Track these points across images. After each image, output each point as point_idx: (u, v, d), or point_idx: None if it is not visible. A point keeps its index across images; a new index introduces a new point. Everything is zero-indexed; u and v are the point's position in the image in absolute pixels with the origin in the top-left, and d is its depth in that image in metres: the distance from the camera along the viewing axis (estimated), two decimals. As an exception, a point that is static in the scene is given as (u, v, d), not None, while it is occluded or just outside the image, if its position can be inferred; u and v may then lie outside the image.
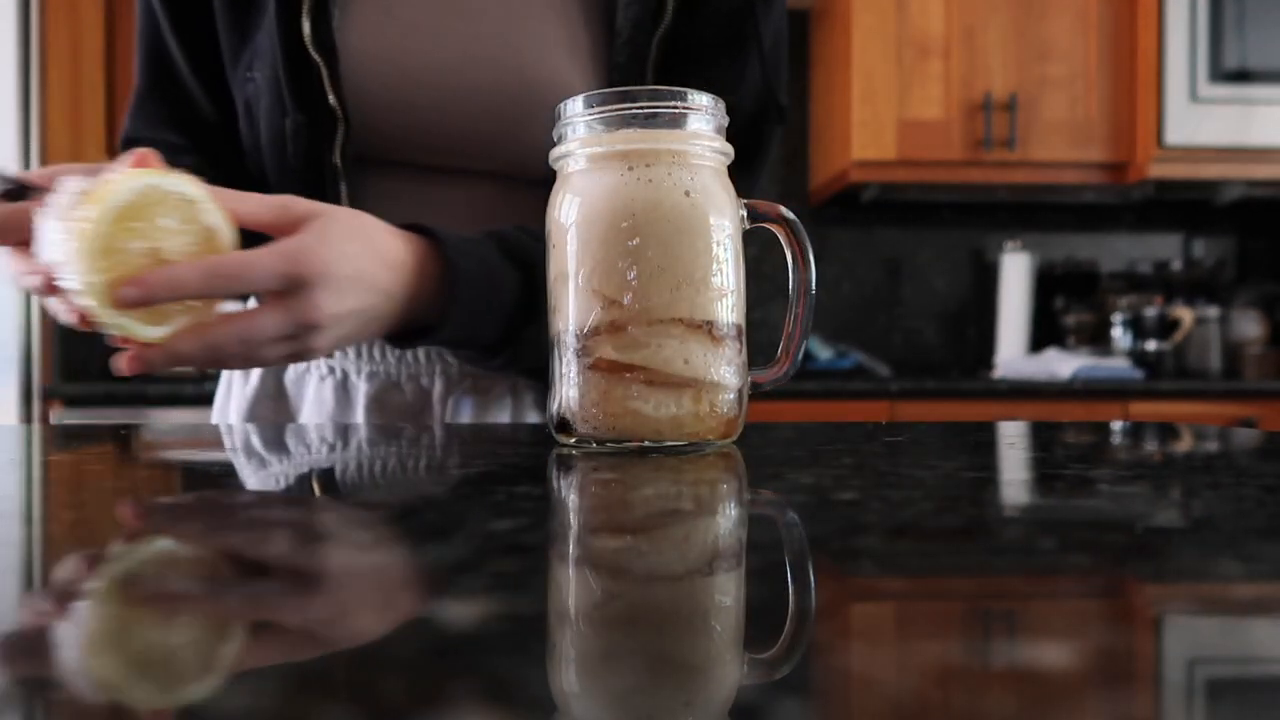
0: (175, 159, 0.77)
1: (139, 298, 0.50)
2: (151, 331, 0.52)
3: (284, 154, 0.74)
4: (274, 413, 0.82)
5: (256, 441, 0.59)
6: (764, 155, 0.81)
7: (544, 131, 0.75)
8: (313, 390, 0.81)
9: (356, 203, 0.76)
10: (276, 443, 0.58)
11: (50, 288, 0.51)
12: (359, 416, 0.79)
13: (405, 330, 0.64)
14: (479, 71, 0.74)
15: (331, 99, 0.72)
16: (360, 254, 0.57)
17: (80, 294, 0.49)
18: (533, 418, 0.82)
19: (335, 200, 0.74)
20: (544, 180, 0.79)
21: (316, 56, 0.71)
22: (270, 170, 0.76)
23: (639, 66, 0.76)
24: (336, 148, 0.73)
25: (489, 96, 0.74)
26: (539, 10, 0.76)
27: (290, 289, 0.54)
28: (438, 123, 0.75)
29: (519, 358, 0.70)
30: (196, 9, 0.78)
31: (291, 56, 0.72)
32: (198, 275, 0.51)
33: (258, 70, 0.75)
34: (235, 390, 0.84)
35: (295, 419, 0.82)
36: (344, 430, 0.66)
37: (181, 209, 0.52)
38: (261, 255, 0.53)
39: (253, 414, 0.82)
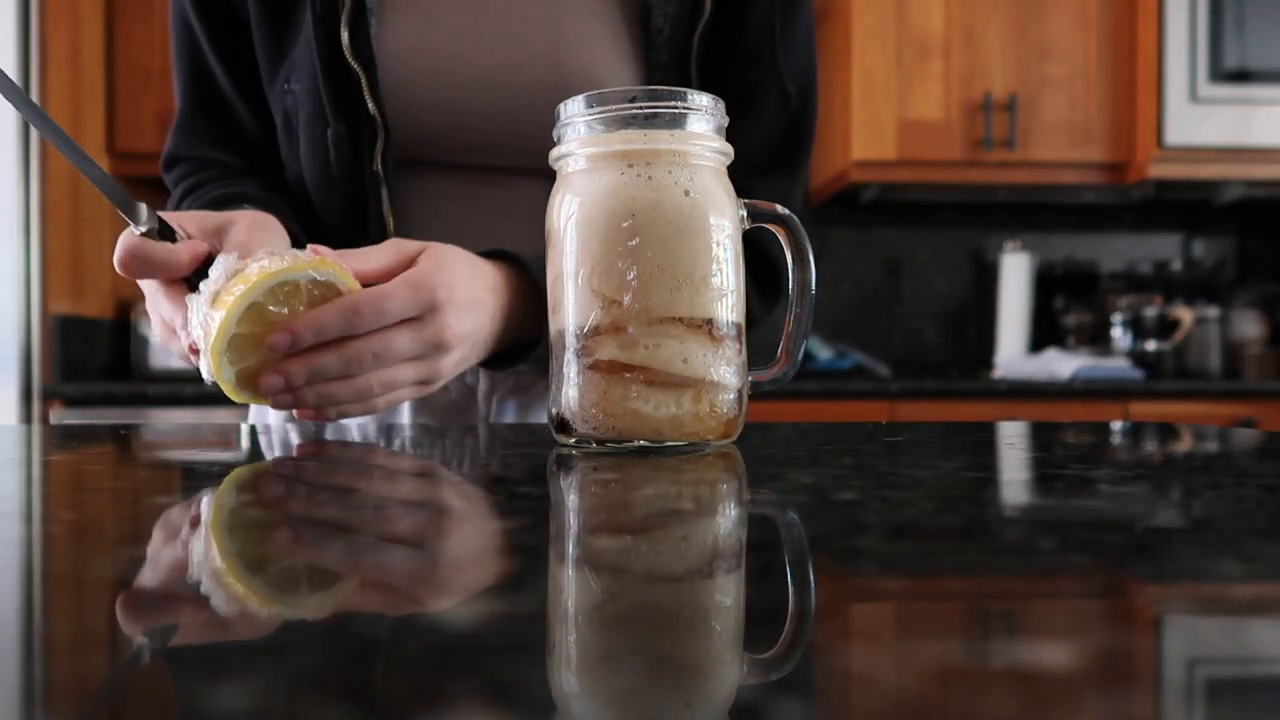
0: (225, 176, 0.78)
1: (288, 346, 0.54)
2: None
3: (326, 164, 0.75)
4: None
5: (263, 443, 0.59)
6: (809, 146, 0.82)
7: None
8: None
9: (399, 207, 0.76)
10: (281, 444, 0.58)
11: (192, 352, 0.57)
12: (404, 415, 0.80)
13: (499, 353, 0.67)
14: (520, 72, 0.75)
15: (371, 107, 0.72)
16: (472, 279, 0.61)
17: (214, 380, 0.55)
18: None
19: (377, 206, 0.75)
20: None
21: (355, 66, 0.72)
22: (310, 180, 0.76)
23: (680, 63, 0.77)
24: (377, 155, 0.73)
25: (530, 96, 0.75)
26: (577, 10, 0.77)
27: (421, 315, 0.58)
28: (479, 124, 0.75)
29: None
30: (235, 26, 0.78)
31: (331, 67, 0.72)
32: (337, 316, 0.55)
33: (296, 82, 0.75)
34: None
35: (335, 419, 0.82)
36: (344, 429, 0.66)
37: (314, 291, 0.55)
38: (393, 288, 0.57)
39: (293, 415, 0.82)
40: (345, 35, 0.71)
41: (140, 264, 0.57)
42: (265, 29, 0.76)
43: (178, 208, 0.78)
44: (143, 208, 0.58)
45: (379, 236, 0.74)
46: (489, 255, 0.65)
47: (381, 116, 0.73)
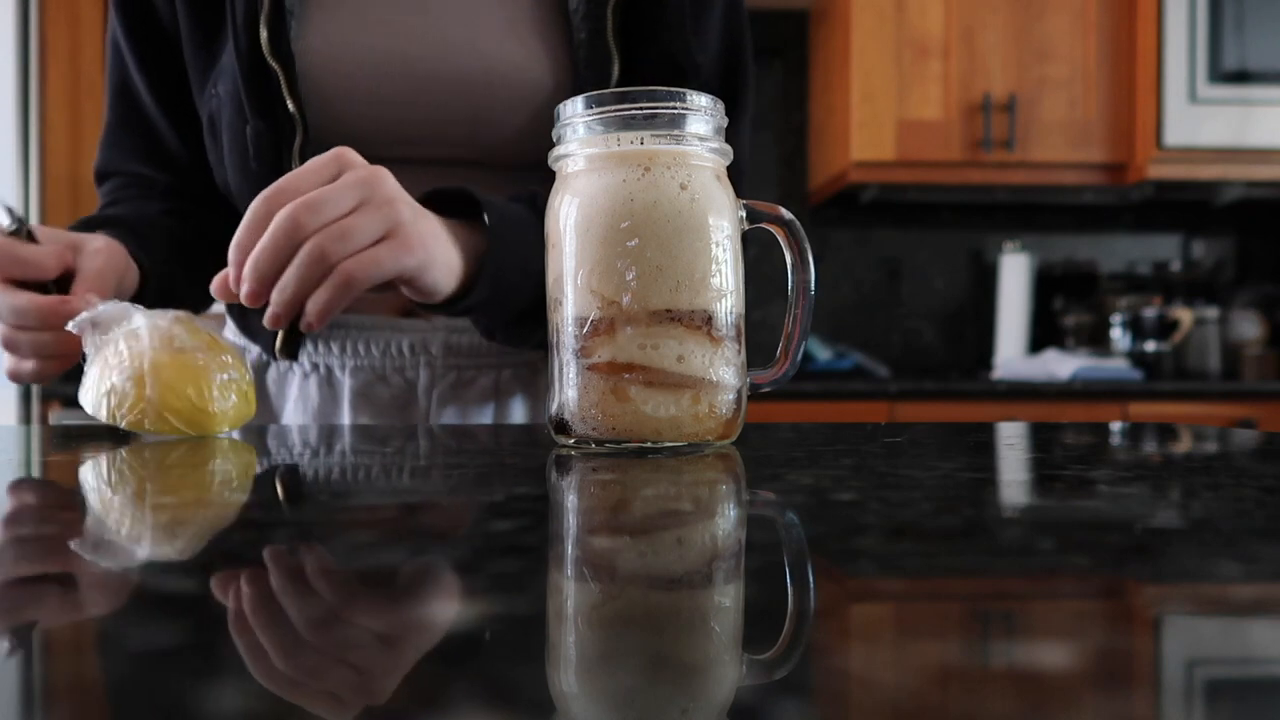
0: (148, 192, 0.81)
1: (223, 289, 0.55)
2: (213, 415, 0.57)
3: (246, 162, 0.76)
4: (256, 414, 0.82)
5: (253, 442, 0.59)
6: (744, 114, 0.82)
7: (508, 116, 0.76)
8: (296, 388, 0.82)
9: None
10: (271, 444, 0.58)
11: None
12: (344, 412, 0.80)
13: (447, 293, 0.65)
14: (438, 61, 0.76)
15: (290, 105, 0.73)
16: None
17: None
18: (517, 408, 0.82)
19: None
20: (511, 165, 0.80)
21: (274, 64, 0.73)
22: (233, 181, 0.77)
23: (600, 40, 0.77)
24: (295, 153, 0.74)
25: (450, 85, 0.76)
26: None
27: (330, 171, 0.58)
28: (402, 114, 0.76)
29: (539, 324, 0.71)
30: (161, 46, 0.80)
31: (250, 67, 0.73)
32: (260, 202, 0.55)
33: (221, 85, 0.76)
34: None
35: (277, 420, 0.82)
36: (340, 431, 0.66)
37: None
38: (295, 170, 0.57)
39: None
40: (264, 33, 0.72)
41: (10, 261, 0.59)
42: (195, 39, 0.78)
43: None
44: (7, 207, 0.60)
45: None
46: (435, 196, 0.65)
47: (300, 114, 0.73)
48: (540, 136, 0.78)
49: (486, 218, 0.65)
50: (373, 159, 0.78)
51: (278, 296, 0.55)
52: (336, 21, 0.75)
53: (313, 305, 0.55)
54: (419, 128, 0.76)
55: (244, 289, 0.55)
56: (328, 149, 0.75)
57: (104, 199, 0.84)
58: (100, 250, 0.63)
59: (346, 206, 0.55)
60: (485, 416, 0.81)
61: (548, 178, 0.79)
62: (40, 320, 0.59)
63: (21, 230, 0.59)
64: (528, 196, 0.71)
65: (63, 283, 0.62)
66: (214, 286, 0.56)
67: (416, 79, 0.75)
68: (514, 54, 0.76)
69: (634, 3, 0.78)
